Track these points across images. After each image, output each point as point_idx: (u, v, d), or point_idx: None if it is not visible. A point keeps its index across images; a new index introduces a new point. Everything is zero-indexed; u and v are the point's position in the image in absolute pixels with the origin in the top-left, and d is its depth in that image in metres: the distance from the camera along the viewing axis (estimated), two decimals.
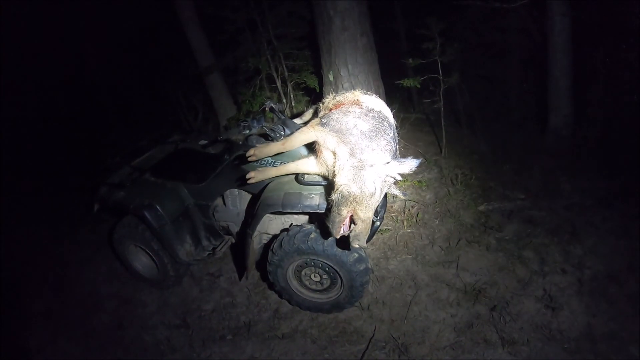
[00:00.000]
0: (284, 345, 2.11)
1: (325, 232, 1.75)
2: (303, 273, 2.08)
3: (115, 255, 2.68)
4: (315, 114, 1.91)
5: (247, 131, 1.99)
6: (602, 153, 3.61)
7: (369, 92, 1.67)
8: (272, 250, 2.01)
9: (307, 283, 2.13)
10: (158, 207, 2.19)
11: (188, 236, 2.34)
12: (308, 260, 1.97)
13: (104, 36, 6.24)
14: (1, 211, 3.80)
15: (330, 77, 3.14)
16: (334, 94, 1.76)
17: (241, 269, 2.33)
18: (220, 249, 2.41)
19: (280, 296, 2.26)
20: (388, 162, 1.44)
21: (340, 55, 3.01)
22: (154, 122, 5.93)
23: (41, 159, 5.21)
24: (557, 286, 2.24)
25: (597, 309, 2.08)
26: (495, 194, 3.15)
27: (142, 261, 2.58)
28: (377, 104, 1.62)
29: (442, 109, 3.52)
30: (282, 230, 2.08)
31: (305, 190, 1.83)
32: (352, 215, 1.50)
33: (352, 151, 1.48)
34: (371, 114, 1.53)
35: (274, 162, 1.96)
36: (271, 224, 2.21)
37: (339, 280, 2.00)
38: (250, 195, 2.20)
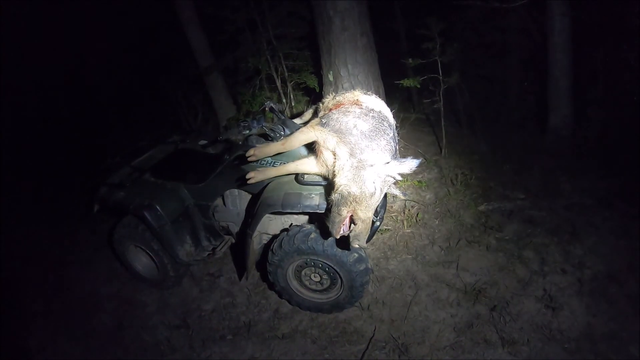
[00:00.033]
0: (284, 345, 2.11)
1: (325, 232, 1.75)
2: (303, 273, 2.08)
3: (115, 255, 2.67)
4: (315, 114, 1.91)
5: (247, 131, 1.99)
6: (602, 153, 3.61)
7: (368, 92, 1.67)
8: (272, 250, 2.01)
9: (307, 283, 2.13)
10: (158, 207, 2.19)
11: (188, 236, 2.34)
12: (308, 260, 1.97)
13: (104, 36, 6.24)
14: (1, 211, 3.79)
15: (330, 77, 3.14)
16: (333, 94, 1.76)
17: (241, 269, 2.33)
18: (220, 249, 2.41)
19: (280, 296, 2.26)
20: (388, 162, 1.44)
21: (340, 55, 3.01)
22: (154, 122, 5.92)
23: (41, 159, 5.20)
24: (557, 286, 2.24)
25: (597, 309, 2.08)
26: (495, 194, 3.15)
27: (142, 261, 2.58)
28: (377, 104, 1.62)
29: (442, 109, 3.52)
30: (282, 231, 2.08)
31: (305, 190, 1.83)
32: (352, 216, 1.50)
33: (352, 151, 1.48)
34: (371, 114, 1.53)
35: (274, 162, 1.96)
36: (271, 224, 2.21)
37: (339, 280, 2.00)
38: (250, 196, 2.19)
